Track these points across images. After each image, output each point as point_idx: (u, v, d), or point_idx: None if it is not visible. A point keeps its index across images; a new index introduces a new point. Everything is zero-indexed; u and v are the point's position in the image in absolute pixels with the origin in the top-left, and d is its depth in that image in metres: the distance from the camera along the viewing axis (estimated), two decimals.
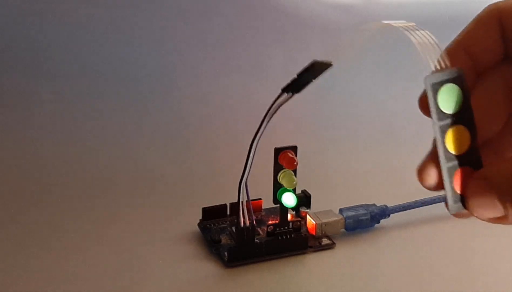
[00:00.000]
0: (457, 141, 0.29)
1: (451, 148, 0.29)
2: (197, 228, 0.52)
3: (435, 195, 0.55)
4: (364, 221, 0.53)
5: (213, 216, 0.53)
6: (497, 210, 0.28)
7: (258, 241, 0.49)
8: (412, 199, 0.55)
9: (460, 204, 0.30)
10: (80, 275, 0.47)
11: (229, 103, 0.77)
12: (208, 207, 0.53)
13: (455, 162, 0.29)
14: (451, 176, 0.29)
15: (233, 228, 0.50)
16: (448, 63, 0.29)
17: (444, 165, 0.29)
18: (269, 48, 0.84)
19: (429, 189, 0.30)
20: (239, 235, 0.48)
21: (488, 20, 0.31)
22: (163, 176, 0.62)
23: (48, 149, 0.66)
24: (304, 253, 0.50)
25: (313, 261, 0.50)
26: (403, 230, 0.54)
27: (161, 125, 0.72)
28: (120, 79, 0.77)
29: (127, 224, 0.53)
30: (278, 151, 0.48)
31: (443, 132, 0.29)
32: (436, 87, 0.29)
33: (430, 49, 0.29)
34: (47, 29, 0.80)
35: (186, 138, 0.69)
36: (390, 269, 0.49)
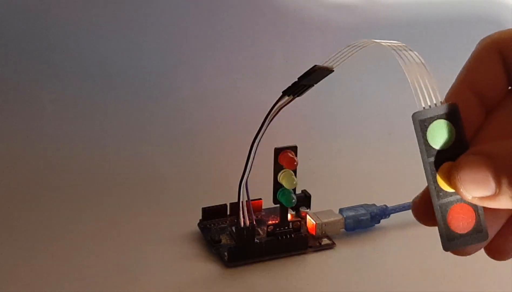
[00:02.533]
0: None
1: (443, 184, 0.28)
2: (197, 228, 0.52)
3: None
4: (364, 221, 0.53)
5: (213, 216, 0.53)
6: (489, 187, 0.27)
7: (258, 241, 0.49)
8: (412, 199, 0.55)
9: (455, 242, 0.29)
10: (80, 275, 0.47)
11: (229, 103, 0.77)
12: (208, 207, 0.53)
13: (449, 199, 0.28)
14: (444, 213, 0.29)
15: (233, 228, 0.50)
16: (439, 97, 0.28)
17: (436, 202, 0.28)
18: (269, 48, 0.84)
19: (426, 224, 0.30)
20: (239, 235, 0.48)
21: (488, 55, 0.31)
22: (163, 176, 0.62)
23: (49, 149, 0.66)
24: (304, 253, 0.50)
25: (313, 261, 0.50)
26: (403, 230, 0.54)
27: (161, 126, 0.72)
28: (121, 79, 0.77)
29: (127, 224, 0.53)
30: (278, 151, 0.48)
31: (433, 169, 0.28)
32: (426, 123, 0.28)
33: (421, 84, 0.28)
34: (47, 29, 0.80)
35: (186, 139, 0.69)
36: (390, 269, 0.49)
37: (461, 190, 0.28)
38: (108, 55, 0.79)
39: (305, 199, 0.53)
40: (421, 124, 0.28)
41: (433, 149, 0.28)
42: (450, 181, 0.28)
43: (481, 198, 0.27)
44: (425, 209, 0.30)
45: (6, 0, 0.80)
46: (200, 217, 0.53)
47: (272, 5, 0.86)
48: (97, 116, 0.73)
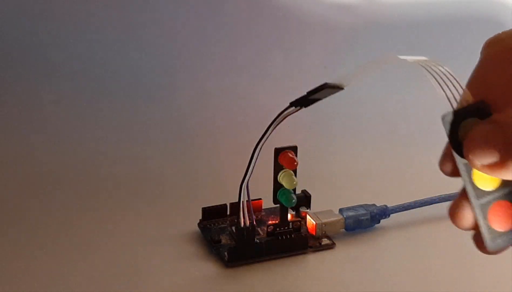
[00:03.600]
0: (487, 177, 0.28)
1: (480, 183, 0.28)
2: (197, 228, 0.52)
3: (435, 195, 0.55)
4: (364, 221, 0.53)
5: (213, 216, 0.53)
6: (496, 154, 0.27)
7: (258, 241, 0.49)
8: (412, 199, 0.55)
9: (499, 241, 0.28)
10: (80, 275, 0.47)
11: (229, 103, 0.77)
12: (208, 207, 0.53)
13: (488, 198, 0.28)
14: (484, 213, 0.28)
15: (233, 228, 0.50)
16: (469, 97, 0.28)
17: (476, 202, 0.28)
18: (269, 48, 0.84)
19: (464, 228, 0.29)
20: (239, 235, 0.48)
21: (497, 56, 0.30)
22: (163, 176, 0.61)
23: (49, 150, 0.65)
24: (304, 253, 0.50)
25: (313, 261, 0.50)
26: (403, 230, 0.54)
27: (161, 126, 0.72)
28: (121, 79, 0.77)
29: (127, 224, 0.53)
30: (278, 151, 0.48)
31: (469, 169, 0.28)
32: (456, 123, 0.28)
33: (448, 87, 0.28)
34: (47, 29, 0.80)
35: (186, 139, 0.69)
36: (390, 269, 0.49)
37: (470, 156, 0.27)
38: (108, 55, 0.79)
39: (305, 199, 0.53)
40: (452, 125, 0.28)
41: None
42: (464, 152, 0.28)
43: (490, 166, 0.27)
44: (462, 212, 0.29)
45: (6, 0, 0.80)
46: (200, 217, 0.53)
47: (272, 5, 0.86)
48: (97, 116, 0.73)
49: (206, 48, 0.83)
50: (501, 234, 0.29)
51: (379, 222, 0.54)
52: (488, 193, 0.28)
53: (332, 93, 0.39)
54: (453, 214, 0.29)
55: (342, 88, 0.37)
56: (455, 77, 0.29)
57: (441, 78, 0.28)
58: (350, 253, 0.51)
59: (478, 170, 0.27)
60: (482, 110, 0.28)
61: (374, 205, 0.54)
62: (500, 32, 0.31)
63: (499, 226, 0.28)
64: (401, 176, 0.62)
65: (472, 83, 0.30)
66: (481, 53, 0.31)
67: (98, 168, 0.63)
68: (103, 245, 0.50)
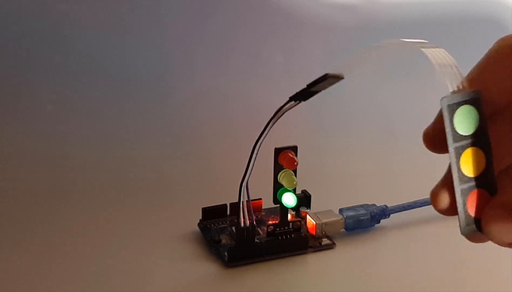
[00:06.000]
0: (472, 163, 0.29)
1: (465, 169, 0.29)
2: (197, 228, 0.52)
3: None
4: (364, 221, 0.53)
5: (213, 216, 0.53)
6: None
7: (258, 241, 0.49)
8: (412, 199, 0.55)
9: (473, 226, 0.29)
10: (79, 275, 0.47)
11: (229, 103, 0.77)
12: (208, 207, 0.53)
13: (469, 184, 0.29)
14: (464, 198, 0.29)
15: (233, 228, 0.50)
16: (466, 85, 0.29)
17: (458, 186, 0.29)
18: (269, 48, 0.84)
19: (442, 212, 0.30)
20: (239, 235, 0.48)
21: (503, 57, 0.30)
22: (163, 176, 0.61)
23: (48, 150, 0.65)
24: (304, 253, 0.50)
25: (313, 261, 0.50)
26: (403, 230, 0.54)
27: (161, 125, 0.72)
28: (120, 79, 0.77)
29: (127, 224, 0.53)
30: (278, 151, 0.48)
31: (458, 154, 0.29)
32: (453, 108, 0.29)
33: (448, 70, 0.29)
34: (47, 29, 0.80)
35: (186, 139, 0.69)
36: (390, 269, 0.49)
37: (493, 240, 0.29)
38: (108, 55, 0.79)
39: (305, 199, 0.53)
40: (449, 108, 0.29)
41: (459, 134, 0.29)
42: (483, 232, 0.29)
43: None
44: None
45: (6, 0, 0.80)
46: (200, 217, 0.53)
47: (272, 5, 0.86)
48: (96, 117, 0.73)
49: (207, 48, 0.83)
50: (475, 221, 0.30)
51: (379, 222, 0.54)
52: (471, 179, 0.29)
53: (333, 84, 0.39)
54: (434, 195, 0.30)
55: (342, 78, 0.37)
56: (454, 62, 0.29)
57: (442, 61, 0.29)
58: (350, 253, 0.51)
59: (504, 246, 0.29)
60: (477, 99, 0.29)
61: (374, 205, 0.54)
62: None
63: (473, 212, 0.29)
64: (401, 176, 0.62)
65: (473, 72, 0.31)
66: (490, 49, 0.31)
67: (97, 168, 0.63)
68: (103, 245, 0.50)
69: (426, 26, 0.87)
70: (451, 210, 0.30)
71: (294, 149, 0.49)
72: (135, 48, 0.81)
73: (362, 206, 0.54)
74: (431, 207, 0.57)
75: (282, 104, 0.43)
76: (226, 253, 0.49)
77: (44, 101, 0.74)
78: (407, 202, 0.55)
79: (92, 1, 0.82)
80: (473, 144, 0.29)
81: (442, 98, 0.29)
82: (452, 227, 0.54)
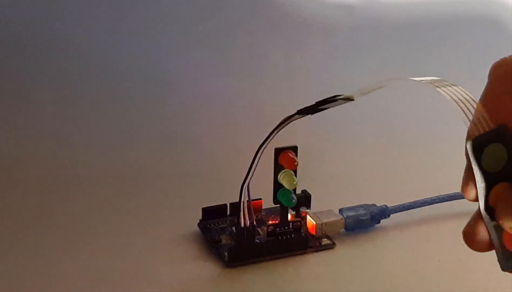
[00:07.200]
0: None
1: None
2: (197, 228, 0.52)
3: (435, 195, 0.55)
4: (364, 221, 0.53)
5: (213, 216, 0.53)
6: None
7: (258, 241, 0.49)
8: (412, 199, 0.55)
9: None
10: (79, 275, 0.47)
11: (229, 103, 0.77)
12: (208, 207, 0.53)
13: None
14: (499, 234, 0.29)
15: (233, 228, 0.50)
16: (489, 122, 0.29)
17: (490, 224, 0.29)
18: (269, 48, 0.84)
19: (479, 250, 0.30)
20: (239, 235, 0.48)
21: (507, 78, 0.30)
22: (163, 176, 0.61)
23: (48, 150, 0.65)
24: (304, 253, 0.50)
25: (313, 261, 0.50)
26: (403, 230, 0.54)
27: (161, 125, 0.72)
28: (120, 79, 0.77)
29: (127, 224, 0.53)
30: (278, 151, 0.48)
31: (488, 191, 0.29)
32: (480, 149, 0.29)
33: (468, 109, 0.29)
34: (47, 29, 0.80)
35: (186, 138, 0.69)
36: (390, 269, 0.49)
37: (500, 221, 0.28)
38: (108, 55, 0.79)
39: (305, 199, 0.53)
40: (476, 151, 0.29)
41: (488, 172, 0.29)
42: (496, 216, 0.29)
43: None
44: (478, 236, 0.30)
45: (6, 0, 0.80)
46: (200, 217, 0.53)
47: (272, 5, 0.86)
48: (97, 117, 0.73)
49: (207, 48, 0.83)
50: None
51: (379, 222, 0.54)
52: None
53: (341, 104, 0.39)
54: (469, 235, 0.30)
55: (352, 100, 0.37)
56: (473, 99, 0.29)
57: (459, 98, 0.29)
58: (350, 253, 0.51)
59: (509, 231, 0.28)
60: (503, 134, 0.29)
61: (374, 205, 0.54)
62: (506, 56, 0.31)
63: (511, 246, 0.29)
64: (401, 176, 0.62)
65: (484, 106, 0.30)
66: (489, 76, 0.31)
67: (97, 168, 0.63)
68: (103, 245, 0.50)
69: (426, 26, 0.87)
70: (488, 246, 0.30)
71: (294, 149, 0.49)
72: (135, 48, 0.81)
73: (362, 206, 0.54)
74: (431, 207, 0.57)
75: (283, 108, 0.43)
76: (226, 253, 0.49)
77: (44, 101, 0.74)
78: (407, 202, 0.55)
79: (92, 1, 0.82)
80: (502, 179, 0.29)
81: (467, 142, 0.29)
82: (452, 227, 0.54)
